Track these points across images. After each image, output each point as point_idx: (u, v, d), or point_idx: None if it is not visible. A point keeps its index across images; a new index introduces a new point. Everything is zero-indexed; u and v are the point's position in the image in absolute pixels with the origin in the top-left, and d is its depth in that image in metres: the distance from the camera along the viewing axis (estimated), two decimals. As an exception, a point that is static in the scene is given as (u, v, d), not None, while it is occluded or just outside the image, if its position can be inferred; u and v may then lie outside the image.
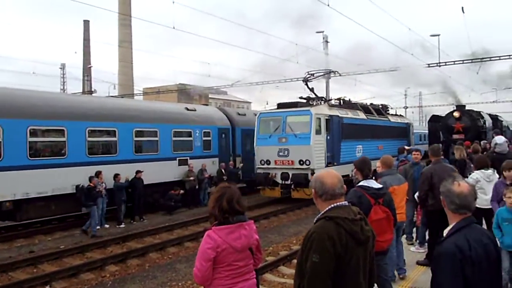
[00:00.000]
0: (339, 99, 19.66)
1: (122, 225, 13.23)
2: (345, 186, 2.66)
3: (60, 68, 48.05)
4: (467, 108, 22.59)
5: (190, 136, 17.03)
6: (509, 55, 22.61)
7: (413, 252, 7.38)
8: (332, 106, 18.22)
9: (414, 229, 8.17)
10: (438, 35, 25.28)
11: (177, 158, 16.27)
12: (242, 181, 18.67)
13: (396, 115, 26.14)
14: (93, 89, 36.52)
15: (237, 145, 19.59)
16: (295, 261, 6.61)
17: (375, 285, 3.62)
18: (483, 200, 5.98)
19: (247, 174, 18.76)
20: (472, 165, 7.81)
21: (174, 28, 20.01)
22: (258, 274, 3.30)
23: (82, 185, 12.39)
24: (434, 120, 23.12)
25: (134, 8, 53.77)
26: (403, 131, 24.12)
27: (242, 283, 3.01)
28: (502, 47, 62.88)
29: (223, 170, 17.19)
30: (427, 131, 26.26)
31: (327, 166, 15.77)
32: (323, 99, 19.25)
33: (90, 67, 41.83)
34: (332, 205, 2.56)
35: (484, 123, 20.93)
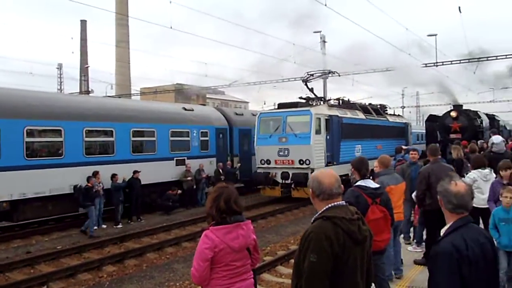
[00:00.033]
0: (338, 99, 19.73)
1: (120, 225, 13.21)
2: (342, 186, 2.66)
3: (57, 68, 48.11)
4: (464, 107, 22.68)
5: (188, 136, 17.01)
6: (506, 55, 22.64)
7: (410, 251, 7.40)
8: (332, 106, 18.31)
9: (412, 229, 8.18)
10: (435, 35, 25.38)
11: (175, 158, 16.26)
12: (240, 181, 18.65)
13: (394, 115, 26.25)
14: (90, 89, 36.40)
15: (234, 145, 19.57)
16: (292, 261, 6.61)
17: (373, 284, 3.63)
18: (480, 199, 5.99)
19: (245, 174, 18.77)
20: (469, 165, 7.81)
21: (171, 28, 19.94)
22: (255, 274, 3.30)
23: (80, 185, 12.39)
24: (432, 119, 23.16)
25: (131, 8, 53.64)
26: (401, 131, 24.24)
27: (240, 283, 3.01)
28: (499, 46, 62.94)
29: (220, 170, 17.18)
30: (424, 131, 26.34)
31: (326, 165, 15.86)
32: (323, 99, 19.31)
33: (87, 67, 41.72)
34: (330, 205, 2.56)
35: (481, 122, 21.02)
